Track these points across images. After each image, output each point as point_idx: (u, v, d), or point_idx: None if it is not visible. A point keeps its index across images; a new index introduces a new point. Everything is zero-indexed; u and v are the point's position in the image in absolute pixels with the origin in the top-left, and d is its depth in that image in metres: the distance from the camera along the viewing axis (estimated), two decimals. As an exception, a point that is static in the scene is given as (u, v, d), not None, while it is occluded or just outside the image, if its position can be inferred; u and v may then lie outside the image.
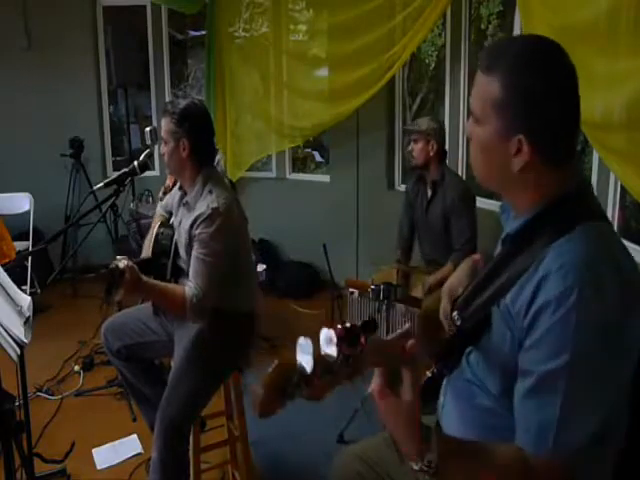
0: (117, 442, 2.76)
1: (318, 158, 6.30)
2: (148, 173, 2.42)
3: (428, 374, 1.23)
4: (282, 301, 4.58)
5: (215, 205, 2.00)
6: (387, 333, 2.82)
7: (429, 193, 3.10)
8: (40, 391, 3.21)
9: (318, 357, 0.86)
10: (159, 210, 2.46)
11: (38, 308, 2.14)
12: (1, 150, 5.04)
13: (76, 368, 3.48)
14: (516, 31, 3.25)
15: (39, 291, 4.19)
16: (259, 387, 0.83)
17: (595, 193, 1.16)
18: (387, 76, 3.84)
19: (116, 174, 2.28)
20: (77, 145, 4.94)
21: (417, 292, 2.99)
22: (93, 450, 2.70)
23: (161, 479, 2.02)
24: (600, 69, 2.00)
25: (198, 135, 2.09)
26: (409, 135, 3.09)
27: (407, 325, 1.05)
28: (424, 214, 3.13)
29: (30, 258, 3.82)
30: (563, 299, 0.95)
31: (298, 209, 5.00)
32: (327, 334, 0.87)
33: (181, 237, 2.13)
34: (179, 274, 2.22)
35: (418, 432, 0.96)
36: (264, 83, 4.98)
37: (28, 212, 4.26)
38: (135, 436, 2.79)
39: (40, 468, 2.35)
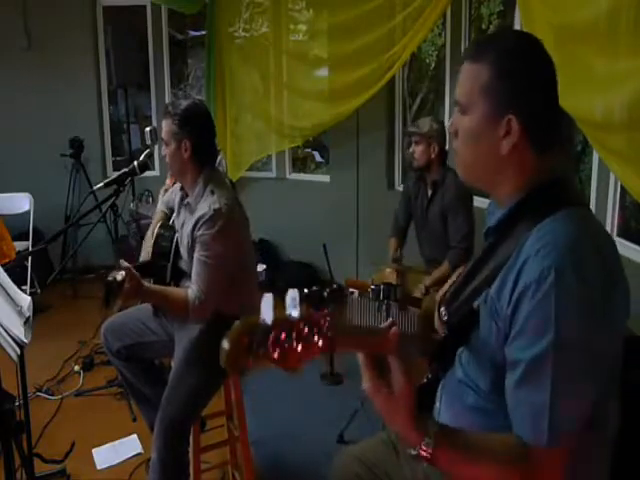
0: (117, 442, 2.76)
1: (318, 158, 6.31)
2: (148, 173, 2.42)
3: (424, 380, 1.24)
4: (282, 301, 4.56)
5: (217, 206, 2.00)
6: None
7: (429, 193, 3.10)
8: (40, 391, 3.21)
9: (280, 311, 0.85)
10: (160, 206, 2.45)
11: (38, 308, 2.14)
12: (1, 150, 5.04)
13: (76, 368, 3.48)
14: (516, 31, 3.25)
15: (39, 291, 4.20)
16: (225, 342, 0.83)
17: (586, 186, 1.17)
18: (387, 76, 3.84)
19: (116, 174, 2.28)
20: (77, 145, 4.94)
21: (417, 292, 2.99)
22: (93, 450, 2.70)
23: (161, 479, 2.01)
24: (600, 69, 2.00)
25: (200, 136, 2.08)
26: (410, 137, 3.09)
27: (390, 320, 1.05)
28: (424, 214, 3.13)
29: (30, 258, 3.82)
30: (541, 280, 0.95)
31: (298, 209, 5.00)
32: (292, 294, 0.88)
33: (183, 239, 2.13)
34: (179, 276, 2.21)
35: (413, 417, 0.97)
36: (264, 83, 4.98)
37: (28, 212, 4.27)
38: (135, 436, 2.79)
39: (40, 468, 2.35)
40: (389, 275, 3.07)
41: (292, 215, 4.98)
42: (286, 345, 0.83)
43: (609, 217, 2.65)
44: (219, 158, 3.51)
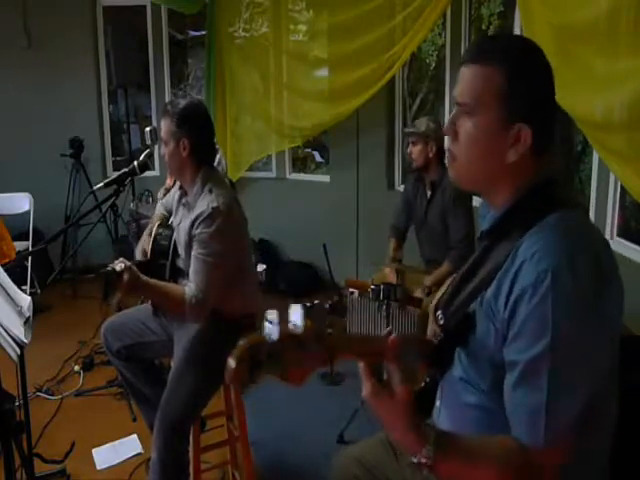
0: (117, 442, 2.76)
1: (318, 158, 6.31)
2: (148, 173, 2.42)
3: (423, 383, 1.24)
4: (282, 301, 4.57)
5: (215, 204, 1.99)
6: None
7: (428, 194, 3.10)
8: (40, 391, 3.21)
9: (285, 327, 0.86)
10: (159, 209, 2.45)
11: (38, 308, 2.14)
12: (1, 150, 5.04)
13: (76, 368, 3.48)
14: (516, 31, 3.25)
15: (39, 291, 4.20)
16: (231, 359, 0.83)
17: (580, 184, 1.17)
18: (387, 76, 3.84)
19: (116, 174, 2.27)
20: (77, 145, 4.94)
21: (418, 292, 2.99)
22: (93, 450, 2.70)
23: (161, 479, 2.01)
24: (600, 69, 2.00)
25: (198, 135, 2.08)
26: (408, 137, 3.09)
27: (389, 328, 1.06)
28: (424, 215, 3.13)
29: (30, 258, 3.82)
30: (538, 284, 0.96)
31: (298, 209, 5.00)
32: (295, 307, 0.89)
33: (180, 237, 2.13)
34: (178, 275, 2.21)
35: (413, 425, 0.97)
36: (264, 83, 4.98)
37: (28, 212, 4.27)
38: (135, 436, 2.79)
39: (40, 468, 2.35)
40: (389, 275, 3.07)
41: (292, 215, 4.98)
42: (290, 362, 0.83)
43: (609, 217, 2.65)
44: (219, 158, 3.51)
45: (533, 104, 1.04)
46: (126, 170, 2.26)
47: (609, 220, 2.65)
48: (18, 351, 1.64)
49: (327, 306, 0.93)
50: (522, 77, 1.04)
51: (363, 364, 0.99)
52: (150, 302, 2.30)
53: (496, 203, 1.13)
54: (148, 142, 2.49)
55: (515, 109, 1.04)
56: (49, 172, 5.03)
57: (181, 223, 2.13)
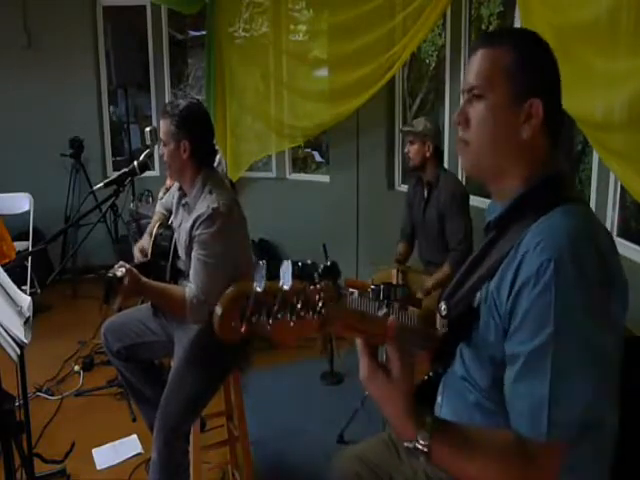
0: (117, 442, 2.76)
1: (318, 158, 6.30)
2: (148, 173, 2.42)
3: (426, 377, 1.23)
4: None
5: (215, 205, 1.99)
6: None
7: (425, 194, 3.10)
8: (40, 391, 3.21)
9: (273, 284, 0.84)
10: (159, 208, 2.45)
11: (38, 308, 2.14)
12: (1, 150, 5.04)
13: (76, 368, 3.48)
14: (516, 31, 3.25)
15: (39, 291, 4.20)
16: (218, 307, 0.81)
17: (589, 188, 1.18)
18: (387, 76, 3.83)
19: (116, 174, 2.28)
20: (77, 145, 4.94)
21: (418, 293, 2.99)
22: (93, 450, 2.70)
23: (161, 479, 2.02)
24: (600, 69, 2.00)
25: (199, 137, 2.08)
26: (406, 136, 3.10)
27: (385, 310, 1.05)
28: (421, 216, 3.13)
29: (30, 258, 3.82)
30: (540, 273, 0.95)
31: (298, 209, 5.00)
32: (286, 264, 0.86)
33: (181, 238, 2.13)
34: (178, 276, 2.21)
35: (410, 407, 0.96)
36: (264, 83, 4.98)
37: (28, 212, 4.27)
38: (135, 436, 2.79)
39: (40, 468, 2.35)
40: (393, 275, 3.07)
41: (292, 215, 4.97)
42: (279, 316, 0.81)
43: (609, 217, 2.65)
44: (219, 158, 3.51)
45: (543, 79, 1.07)
46: (126, 170, 2.26)
47: (609, 220, 2.65)
48: (18, 351, 1.64)
49: (319, 269, 0.91)
50: (530, 55, 1.07)
51: (361, 341, 0.98)
52: (150, 303, 2.30)
53: (504, 195, 1.12)
54: (148, 142, 2.49)
55: (525, 84, 1.05)
56: (49, 172, 5.03)
57: (181, 225, 2.13)
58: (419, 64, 5.16)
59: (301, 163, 6.08)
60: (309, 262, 0.87)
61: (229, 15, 4.96)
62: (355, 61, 4.06)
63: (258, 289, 0.82)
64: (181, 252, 2.16)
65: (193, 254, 2.02)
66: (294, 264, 0.85)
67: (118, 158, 5.70)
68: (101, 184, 2.29)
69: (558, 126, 1.09)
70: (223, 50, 5.00)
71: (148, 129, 2.51)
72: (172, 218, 2.29)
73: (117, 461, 2.64)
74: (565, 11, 2.19)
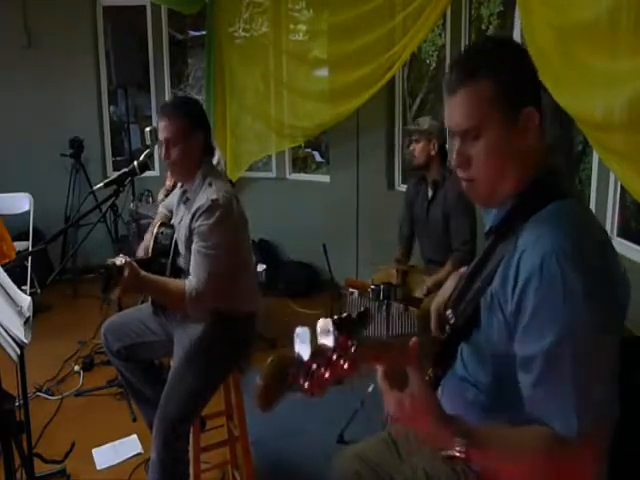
0: (117, 442, 2.76)
1: (318, 158, 6.30)
2: (148, 173, 2.42)
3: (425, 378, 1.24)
4: (282, 301, 4.58)
5: (215, 197, 1.99)
6: (387, 331, 2.81)
7: (430, 193, 3.09)
8: (40, 391, 3.21)
9: (315, 345, 0.86)
10: (161, 209, 2.46)
11: (38, 308, 2.14)
12: (1, 150, 5.04)
13: (76, 368, 3.48)
14: (516, 31, 3.25)
15: (39, 291, 4.20)
16: (259, 380, 0.83)
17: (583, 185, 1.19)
18: (387, 76, 3.83)
19: (116, 174, 2.27)
20: (77, 145, 4.94)
21: (418, 292, 2.99)
22: (93, 450, 2.70)
23: (161, 479, 2.01)
24: (600, 68, 2.00)
25: (207, 127, 2.12)
26: (410, 135, 3.08)
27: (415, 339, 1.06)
28: (425, 215, 3.12)
29: (30, 258, 3.82)
30: (543, 269, 0.96)
31: (298, 209, 5.00)
32: (324, 323, 0.88)
33: (181, 234, 2.12)
34: (178, 274, 2.21)
35: (441, 420, 0.97)
36: (264, 83, 4.98)
37: (28, 212, 4.27)
38: (135, 436, 2.79)
39: (40, 468, 2.35)
40: (393, 276, 3.07)
41: (292, 215, 4.98)
42: (315, 375, 0.84)
43: (609, 217, 2.65)
44: (218, 158, 3.51)
45: (527, 85, 1.07)
46: (126, 170, 2.26)
47: (609, 220, 2.65)
48: (18, 351, 1.64)
49: (354, 317, 0.92)
50: (508, 72, 1.05)
51: (382, 374, 0.99)
52: (150, 300, 2.30)
53: (501, 202, 1.12)
54: (148, 142, 2.49)
55: (514, 101, 1.05)
56: (49, 172, 5.03)
57: (182, 221, 2.13)
58: (419, 64, 5.15)
59: (301, 163, 6.08)
60: (344, 315, 0.91)
61: (229, 15, 4.96)
62: (355, 61, 4.06)
63: (303, 357, 0.84)
64: (181, 247, 2.15)
65: (193, 246, 2.01)
66: (332, 320, 0.87)
67: (118, 158, 5.69)
68: (101, 184, 2.28)
69: (544, 119, 1.09)
70: (223, 50, 5.00)
71: (148, 129, 2.50)
72: (173, 217, 2.29)
73: (117, 461, 2.64)
74: (565, 11, 2.19)
